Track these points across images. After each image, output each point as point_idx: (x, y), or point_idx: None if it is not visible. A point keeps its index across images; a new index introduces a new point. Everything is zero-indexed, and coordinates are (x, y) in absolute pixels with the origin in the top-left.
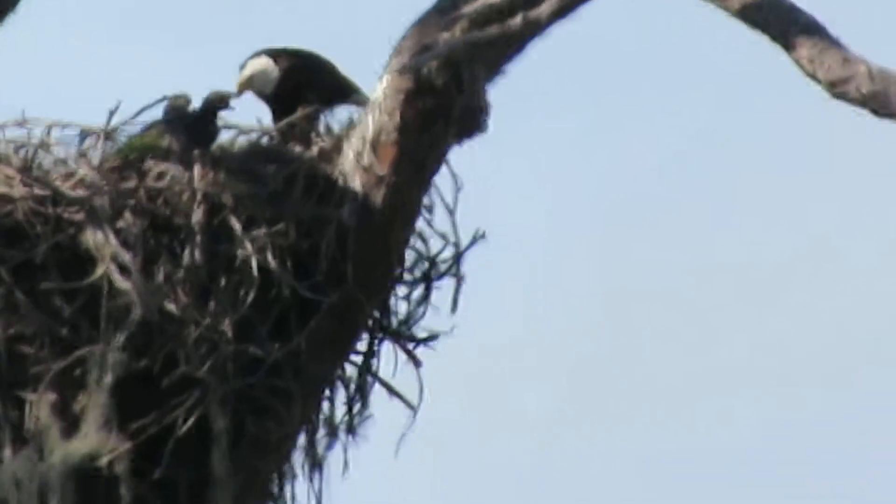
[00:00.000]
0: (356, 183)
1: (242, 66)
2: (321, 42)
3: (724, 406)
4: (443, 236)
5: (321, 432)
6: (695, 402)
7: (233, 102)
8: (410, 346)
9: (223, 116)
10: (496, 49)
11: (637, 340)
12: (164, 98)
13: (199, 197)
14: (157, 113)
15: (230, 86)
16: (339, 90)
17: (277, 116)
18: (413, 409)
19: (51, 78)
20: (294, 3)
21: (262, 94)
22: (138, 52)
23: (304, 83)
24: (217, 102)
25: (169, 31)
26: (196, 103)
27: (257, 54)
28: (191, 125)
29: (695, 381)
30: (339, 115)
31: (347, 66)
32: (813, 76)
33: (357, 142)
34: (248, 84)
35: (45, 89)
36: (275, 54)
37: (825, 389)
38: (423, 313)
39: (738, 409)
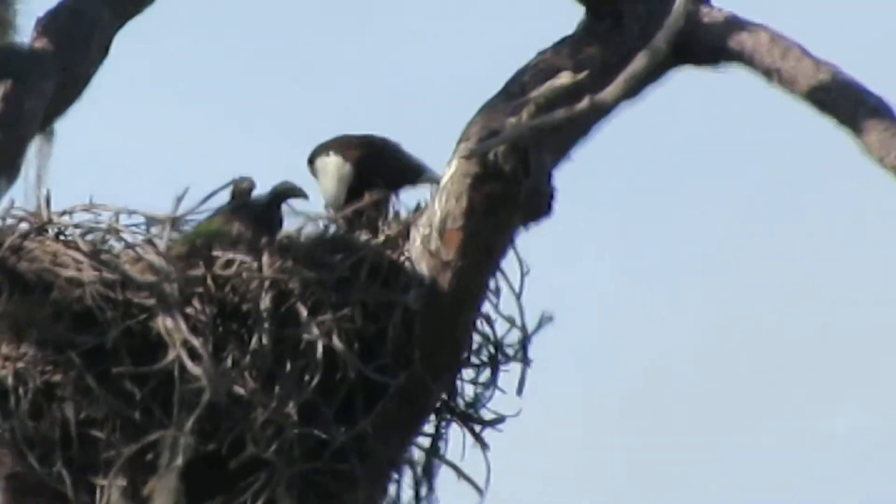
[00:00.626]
0: (423, 268)
1: (312, 160)
2: (388, 121)
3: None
4: (509, 319)
5: None
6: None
7: (301, 195)
8: (478, 428)
9: (291, 204)
10: (562, 133)
11: (709, 416)
12: (231, 182)
13: (266, 284)
14: (224, 198)
15: (297, 160)
16: (407, 173)
17: (345, 201)
18: (480, 492)
19: (118, 157)
20: (360, 81)
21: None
22: (204, 126)
23: (372, 170)
24: (286, 194)
25: (233, 105)
26: (259, 185)
27: (324, 151)
28: (258, 214)
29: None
30: (406, 200)
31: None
32: (881, 161)
33: (424, 227)
34: (338, 200)
35: (113, 169)
36: (342, 149)
37: None
38: (491, 396)
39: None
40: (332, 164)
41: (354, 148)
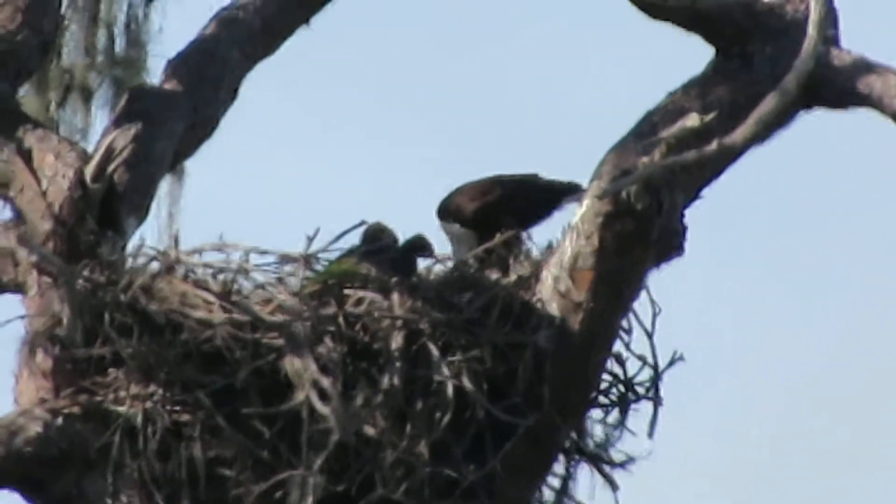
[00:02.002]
0: (553, 308)
1: (439, 215)
2: (520, 159)
3: None
4: (641, 358)
5: None
6: None
7: (430, 252)
8: (607, 469)
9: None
10: (692, 173)
11: (832, 461)
12: (362, 223)
13: (398, 324)
14: (354, 238)
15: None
16: (536, 209)
17: (477, 239)
18: None
19: (248, 196)
20: (492, 119)
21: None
22: (336, 165)
23: (497, 214)
24: (419, 248)
25: (365, 144)
26: (393, 224)
27: (447, 214)
28: (394, 261)
29: None
30: (538, 240)
31: None
32: None
33: (554, 267)
34: (464, 257)
35: (245, 208)
36: (462, 207)
37: None
38: (620, 436)
39: None
40: (455, 232)
41: (474, 200)
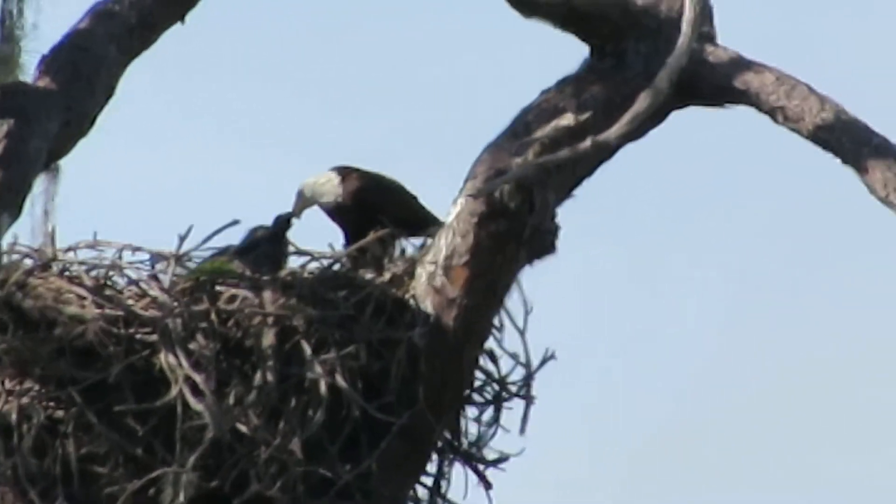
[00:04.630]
0: (428, 305)
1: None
2: (394, 159)
3: None
4: (513, 357)
5: None
6: None
7: (296, 220)
8: (481, 467)
9: (294, 242)
10: (566, 172)
11: (709, 456)
12: (235, 221)
13: (270, 320)
14: (227, 237)
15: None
16: (412, 221)
17: (351, 238)
18: None
19: (125, 195)
20: (358, 118)
21: (322, 207)
22: (211, 162)
23: (373, 206)
24: (285, 224)
25: (238, 138)
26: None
27: (340, 170)
28: (263, 249)
29: None
30: (413, 239)
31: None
32: (885, 200)
33: (429, 264)
34: (304, 200)
35: (120, 206)
36: (343, 171)
37: None
38: (494, 434)
39: None
40: (318, 175)
41: (356, 177)
